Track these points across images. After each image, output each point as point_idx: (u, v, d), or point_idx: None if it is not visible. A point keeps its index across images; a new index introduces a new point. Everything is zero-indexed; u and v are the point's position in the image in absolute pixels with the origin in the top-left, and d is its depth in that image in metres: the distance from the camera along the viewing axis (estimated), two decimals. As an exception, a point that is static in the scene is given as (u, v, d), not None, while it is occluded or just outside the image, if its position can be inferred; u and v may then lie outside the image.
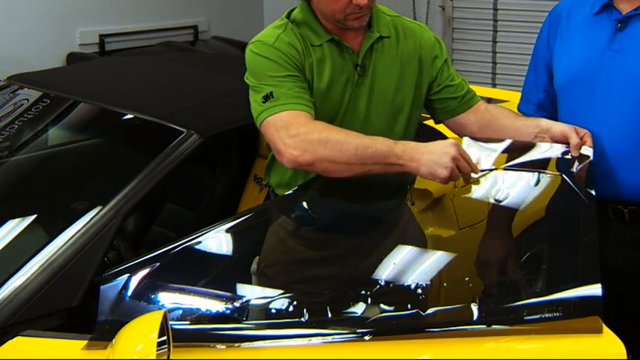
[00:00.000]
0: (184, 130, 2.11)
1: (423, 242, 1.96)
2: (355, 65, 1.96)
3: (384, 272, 1.78)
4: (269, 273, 1.84)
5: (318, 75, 1.93)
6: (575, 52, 2.00)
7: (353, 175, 1.80)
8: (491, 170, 1.89)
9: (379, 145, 1.77)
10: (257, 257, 1.83)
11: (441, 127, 3.00)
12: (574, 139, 1.90)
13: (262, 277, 1.81)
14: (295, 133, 1.78)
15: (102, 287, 1.61)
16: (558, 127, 1.95)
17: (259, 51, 1.93)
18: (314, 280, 1.84)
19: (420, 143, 1.81)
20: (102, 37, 5.34)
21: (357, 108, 1.97)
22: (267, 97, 1.85)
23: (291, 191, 1.98)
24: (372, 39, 1.97)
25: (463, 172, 1.76)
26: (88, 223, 1.85)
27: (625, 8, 1.92)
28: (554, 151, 1.95)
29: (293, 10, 2.01)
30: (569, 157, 1.93)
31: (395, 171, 1.79)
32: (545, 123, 1.98)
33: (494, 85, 5.93)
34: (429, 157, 1.74)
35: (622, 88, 1.90)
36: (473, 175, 1.81)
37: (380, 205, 2.10)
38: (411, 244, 1.90)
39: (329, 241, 1.95)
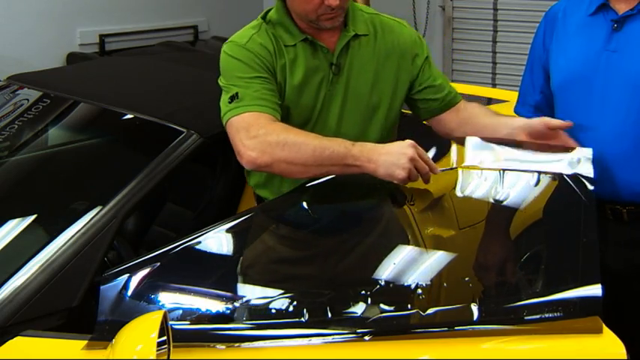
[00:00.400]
0: (184, 130, 2.11)
1: (406, 240, 1.98)
2: (330, 64, 1.96)
3: (384, 272, 1.78)
4: (251, 273, 1.85)
5: (291, 75, 1.92)
6: (572, 53, 2.00)
7: (312, 176, 1.82)
8: (452, 169, 1.88)
9: (336, 146, 1.78)
10: (241, 258, 1.82)
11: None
12: (554, 122, 1.90)
13: (245, 277, 1.81)
14: (254, 135, 1.79)
15: (102, 287, 1.61)
16: (536, 120, 1.96)
17: (231, 52, 1.94)
18: (296, 279, 1.84)
19: (379, 144, 1.82)
20: (102, 37, 5.34)
21: (332, 107, 1.97)
22: (232, 98, 1.86)
23: (289, 191, 1.98)
24: (347, 37, 1.97)
25: (421, 172, 1.77)
26: (88, 223, 1.85)
27: (621, 8, 1.92)
28: (555, 153, 1.95)
29: (270, 10, 2.00)
30: (571, 157, 1.93)
31: (353, 172, 1.79)
32: (521, 121, 1.99)
33: (494, 85, 5.93)
34: (387, 158, 1.75)
35: (619, 88, 1.90)
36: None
37: (371, 206, 2.10)
38: (396, 243, 1.91)
39: (312, 242, 1.96)
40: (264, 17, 1.99)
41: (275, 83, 1.91)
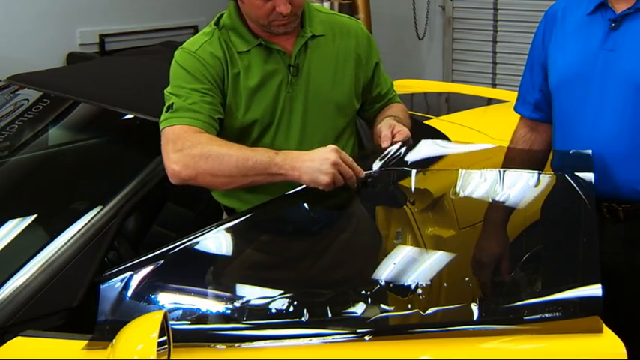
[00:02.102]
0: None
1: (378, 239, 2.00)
2: (288, 66, 1.94)
3: (384, 272, 1.78)
4: (250, 273, 1.84)
5: (247, 81, 1.91)
6: (570, 51, 2.00)
7: (238, 187, 1.82)
8: (376, 173, 1.84)
9: (259, 156, 1.77)
10: (211, 267, 1.81)
11: (442, 127, 3.01)
12: (385, 132, 1.91)
13: (245, 277, 1.81)
14: (180, 148, 1.78)
15: (102, 287, 1.61)
16: (379, 126, 1.99)
17: (179, 58, 1.94)
18: (293, 279, 1.83)
19: (302, 152, 1.81)
20: (102, 37, 5.35)
21: (294, 108, 1.95)
22: (169, 108, 1.86)
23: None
24: (304, 39, 1.95)
25: (345, 176, 1.76)
26: (88, 223, 1.85)
27: (619, 7, 1.92)
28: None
29: (223, 14, 1.98)
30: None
31: (278, 181, 1.79)
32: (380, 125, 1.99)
33: (494, 85, 5.93)
34: (310, 165, 1.74)
35: (616, 87, 1.90)
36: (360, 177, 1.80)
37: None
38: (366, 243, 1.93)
39: (310, 242, 1.96)
40: (217, 23, 1.97)
41: (220, 95, 1.89)
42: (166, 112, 1.86)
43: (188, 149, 1.77)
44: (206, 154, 1.75)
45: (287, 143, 1.93)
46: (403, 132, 1.91)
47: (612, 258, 1.94)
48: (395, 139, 1.91)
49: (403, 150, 1.90)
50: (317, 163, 1.73)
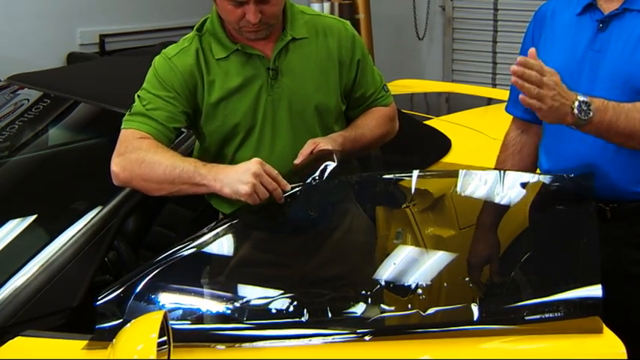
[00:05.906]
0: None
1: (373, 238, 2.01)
2: (267, 69, 1.93)
3: (385, 272, 1.78)
4: (250, 273, 1.85)
5: (225, 87, 1.91)
6: (558, 52, 2.00)
7: (168, 194, 1.83)
8: (302, 185, 1.81)
9: (187, 165, 1.79)
10: (207, 267, 1.82)
11: (442, 127, 3.01)
12: (303, 149, 1.91)
13: (245, 278, 1.82)
14: (123, 151, 1.83)
15: (97, 305, 1.58)
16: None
17: (156, 62, 1.96)
18: (292, 279, 1.83)
19: (229, 165, 1.82)
20: (102, 37, 5.35)
21: (277, 112, 1.95)
22: (130, 109, 1.90)
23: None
24: (283, 42, 1.94)
25: (268, 188, 1.75)
26: (88, 223, 1.85)
27: (607, 8, 1.93)
28: None
29: (207, 19, 1.98)
30: None
31: (203, 192, 1.80)
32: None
33: (494, 85, 5.93)
34: (232, 176, 1.75)
35: (603, 88, 1.90)
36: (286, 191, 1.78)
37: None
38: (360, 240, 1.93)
39: (308, 243, 1.95)
40: (200, 28, 1.96)
41: (185, 104, 1.90)
42: (127, 113, 1.90)
43: (128, 153, 1.82)
44: (141, 159, 1.80)
45: (274, 146, 1.94)
46: (320, 151, 1.88)
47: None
48: (308, 156, 1.88)
49: (328, 167, 1.84)
50: (238, 174, 1.74)
